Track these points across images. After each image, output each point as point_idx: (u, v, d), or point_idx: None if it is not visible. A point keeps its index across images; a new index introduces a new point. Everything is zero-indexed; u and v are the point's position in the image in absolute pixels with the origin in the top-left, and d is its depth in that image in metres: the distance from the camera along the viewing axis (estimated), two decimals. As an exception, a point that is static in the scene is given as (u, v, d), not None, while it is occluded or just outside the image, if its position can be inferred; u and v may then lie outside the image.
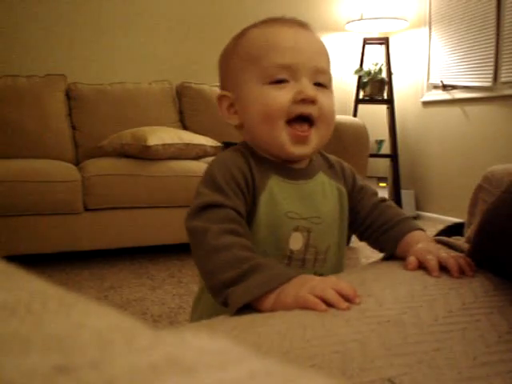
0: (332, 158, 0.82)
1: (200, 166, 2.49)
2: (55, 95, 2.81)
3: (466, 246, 0.74)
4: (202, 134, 2.73)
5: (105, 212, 2.33)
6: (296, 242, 0.71)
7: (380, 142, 3.75)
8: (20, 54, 3.02)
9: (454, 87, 3.40)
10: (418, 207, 3.73)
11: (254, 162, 0.71)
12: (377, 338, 0.45)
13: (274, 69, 0.68)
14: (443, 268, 0.62)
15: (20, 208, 2.18)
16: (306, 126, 0.70)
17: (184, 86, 3.13)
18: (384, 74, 3.66)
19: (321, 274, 0.69)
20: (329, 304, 0.52)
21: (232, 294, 0.58)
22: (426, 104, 3.66)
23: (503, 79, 3.02)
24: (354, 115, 3.54)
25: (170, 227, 2.43)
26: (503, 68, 3.02)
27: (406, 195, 3.69)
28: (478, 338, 0.47)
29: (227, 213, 0.65)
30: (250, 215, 0.69)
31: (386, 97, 3.66)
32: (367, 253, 2.47)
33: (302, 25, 0.73)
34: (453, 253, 0.65)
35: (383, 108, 3.77)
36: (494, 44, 3.05)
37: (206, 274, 0.64)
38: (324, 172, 0.78)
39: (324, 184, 0.76)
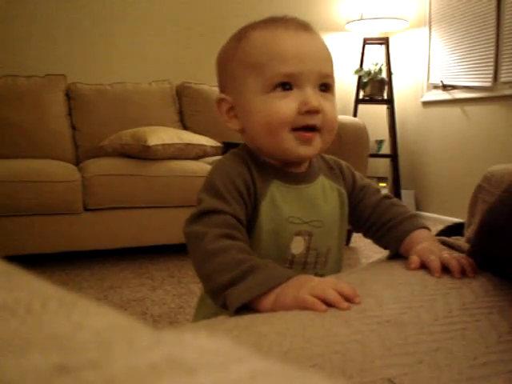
0: (330, 159, 0.82)
1: (200, 166, 2.49)
2: (55, 95, 2.81)
3: (466, 245, 0.74)
4: (202, 134, 2.73)
5: (105, 212, 2.33)
6: (297, 246, 0.71)
7: (380, 142, 3.75)
8: (20, 54, 3.02)
9: (453, 87, 3.40)
10: (418, 207, 3.73)
11: (255, 168, 0.71)
12: (377, 338, 0.45)
13: (278, 78, 0.67)
14: (445, 268, 0.62)
15: (20, 208, 2.18)
16: (308, 132, 0.69)
17: (184, 86, 3.13)
18: (384, 74, 3.66)
19: (321, 275, 0.69)
20: (329, 304, 0.52)
21: (230, 295, 0.58)
22: (426, 104, 3.66)
23: (503, 79, 3.02)
24: (354, 115, 3.54)
25: (170, 227, 2.43)
26: (503, 68, 3.02)
27: (406, 195, 3.69)
28: (478, 338, 0.47)
29: (226, 219, 0.64)
30: (251, 221, 0.69)
31: (385, 97, 3.66)
32: (367, 253, 2.46)
33: (305, 27, 0.71)
34: (455, 253, 0.65)
35: (383, 108, 3.77)
36: (493, 44, 3.05)
37: (204, 278, 0.63)
38: (325, 175, 0.77)
39: (325, 187, 0.76)
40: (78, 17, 3.15)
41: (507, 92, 2.99)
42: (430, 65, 3.60)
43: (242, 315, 0.55)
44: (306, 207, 0.72)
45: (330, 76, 0.71)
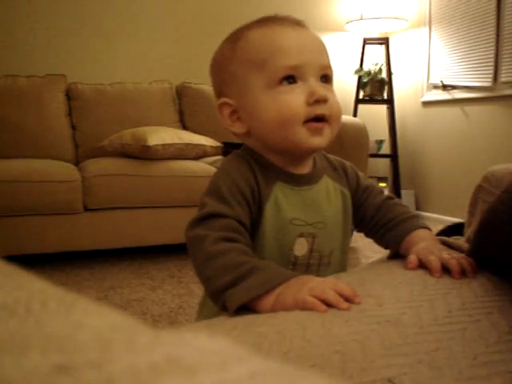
0: (334, 159, 0.82)
1: (200, 166, 2.49)
2: (55, 95, 2.81)
3: (465, 245, 0.74)
4: (202, 134, 2.73)
5: (105, 212, 2.33)
6: (301, 248, 0.71)
7: (380, 142, 3.75)
8: (20, 54, 3.02)
9: (454, 87, 3.40)
10: (418, 207, 3.73)
11: (258, 170, 0.71)
12: (377, 337, 0.45)
13: (282, 71, 0.68)
14: (445, 269, 0.62)
15: (20, 208, 2.18)
16: (318, 122, 0.69)
17: (184, 86, 3.13)
18: (384, 74, 3.66)
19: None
20: (329, 305, 0.52)
21: (230, 295, 0.58)
22: (426, 104, 3.66)
23: (503, 79, 3.02)
24: (354, 115, 3.54)
25: (170, 227, 2.43)
26: (503, 68, 3.02)
27: (406, 195, 3.69)
28: (478, 338, 0.47)
29: (228, 222, 0.64)
30: (255, 223, 0.69)
31: (386, 97, 3.66)
32: (367, 253, 2.46)
33: (299, 23, 0.72)
34: (455, 253, 0.65)
35: (383, 108, 3.77)
36: (494, 44, 3.05)
37: (204, 281, 0.63)
38: (328, 175, 0.77)
39: (328, 188, 0.76)
40: (78, 17, 3.15)
41: (507, 92, 2.99)
42: (430, 65, 3.60)
43: (242, 315, 0.55)
44: (310, 209, 0.72)
45: (329, 67, 0.72)
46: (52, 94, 2.79)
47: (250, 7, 3.47)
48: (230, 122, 0.74)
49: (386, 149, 3.77)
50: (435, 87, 3.58)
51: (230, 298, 0.58)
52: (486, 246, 0.65)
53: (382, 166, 3.87)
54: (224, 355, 0.16)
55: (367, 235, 0.82)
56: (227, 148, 2.64)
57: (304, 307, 0.53)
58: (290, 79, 0.68)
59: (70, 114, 2.85)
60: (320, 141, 0.69)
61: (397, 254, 0.76)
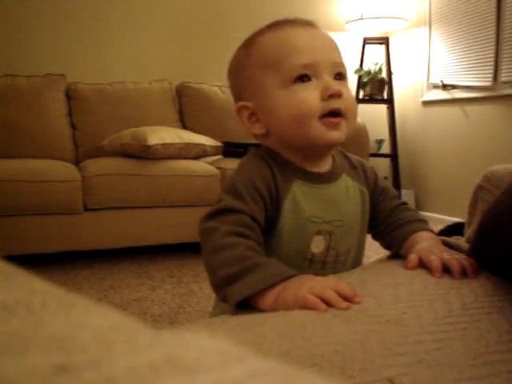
0: (354, 158, 0.83)
1: (200, 166, 2.49)
2: (55, 95, 2.81)
3: (466, 245, 0.74)
4: (202, 134, 2.73)
5: (105, 212, 2.33)
6: (317, 245, 0.72)
7: (380, 142, 3.75)
8: (20, 54, 3.02)
9: (453, 87, 3.40)
10: (418, 207, 3.73)
11: (276, 168, 0.72)
12: (377, 337, 0.45)
13: (296, 69, 0.69)
14: (445, 269, 0.62)
15: (20, 208, 2.18)
16: (335, 118, 0.70)
17: (184, 86, 3.13)
18: (384, 74, 3.66)
19: None
20: (328, 304, 0.52)
21: (231, 289, 0.59)
22: (426, 104, 3.66)
23: (503, 79, 3.02)
24: (354, 115, 3.53)
25: (170, 227, 2.43)
26: (503, 67, 3.02)
27: (406, 195, 3.69)
28: (478, 338, 0.47)
29: (241, 218, 0.65)
30: (273, 219, 0.70)
31: (386, 96, 3.66)
32: (368, 253, 2.46)
33: (310, 23, 0.74)
34: (456, 254, 0.65)
35: (383, 108, 3.77)
36: (493, 43, 3.05)
37: (209, 271, 0.65)
38: (347, 174, 0.78)
39: (347, 186, 0.77)
40: (78, 17, 3.15)
41: (507, 92, 2.99)
42: (430, 64, 3.60)
43: (242, 315, 0.55)
44: (328, 207, 0.73)
45: (342, 65, 0.73)
46: (52, 94, 2.79)
47: (251, 7, 3.47)
48: (249, 125, 0.75)
49: (386, 148, 3.77)
50: (435, 87, 3.57)
51: (231, 291, 0.59)
52: (485, 245, 0.65)
53: (382, 165, 3.87)
54: (224, 355, 0.16)
55: (374, 237, 0.83)
56: (227, 148, 2.64)
57: (304, 305, 0.53)
58: (304, 78, 0.69)
59: (70, 114, 2.85)
60: (338, 135, 0.70)
61: (397, 255, 0.76)
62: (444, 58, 3.47)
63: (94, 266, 2.33)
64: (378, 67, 3.66)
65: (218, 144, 2.64)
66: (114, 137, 2.55)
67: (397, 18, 3.51)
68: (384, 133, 3.76)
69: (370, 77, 3.63)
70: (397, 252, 0.76)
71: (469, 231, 0.89)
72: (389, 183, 0.86)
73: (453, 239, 0.81)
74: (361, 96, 3.67)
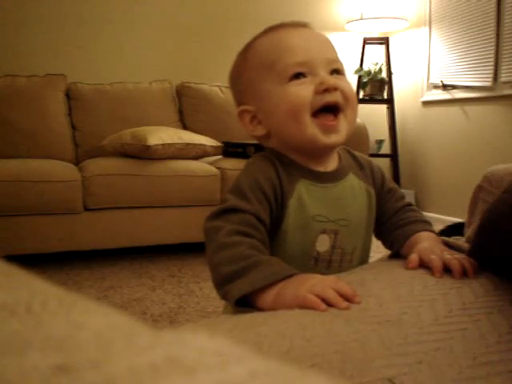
0: (362, 158, 0.83)
1: (200, 166, 2.49)
2: (55, 95, 2.80)
3: (466, 245, 0.74)
4: (202, 134, 2.73)
5: (105, 212, 2.33)
6: (323, 244, 0.72)
7: (380, 142, 3.75)
8: (20, 54, 3.02)
9: (453, 87, 3.40)
10: (418, 207, 3.71)
11: (281, 167, 0.72)
12: (377, 337, 0.45)
13: (291, 68, 0.70)
14: (446, 269, 0.62)
15: (20, 208, 2.18)
16: (331, 116, 0.70)
17: (184, 86, 3.13)
18: (384, 74, 3.66)
19: None
20: (328, 303, 0.52)
21: (232, 287, 0.60)
22: (426, 104, 3.66)
23: (503, 79, 3.02)
24: (354, 115, 3.53)
25: (170, 227, 2.43)
26: (503, 68, 3.02)
27: (406, 195, 3.67)
28: (478, 338, 0.47)
29: (245, 217, 0.66)
30: (278, 218, 0.70)
31: (385, 97, 3.66)
32: (367, 253, 2.46)
33: (304, 25, 0.75)
34: (457, 254, 0.65)
35: (383, 108, 3.77)
36: (494, 44, 3.05)
37: (211, 269, 0.65)
38: (354, 173, 0.78)
39: (353, 186, 0.77)
40: (78, 17, 3.14)
41: (507, 92, 2.99)
42: (430, 65, 3.60)
43: (242, 315, 0.55)
44: (333, 206, 0.73)
45: (338, 61, 0.74)
46: (52, 94, 2.79)
47: (251, 8, 3.47)
48: (251, 128, 0.76)
49: (385, 148, 3.77)
50: (435, 87, 3.57)
51: (231, 289, 0.60)
52: (486, 245, 0.65)
53: (382, 165, 3.84)
54: (224, 355, 0.16)
55: (377, 235, 0.83)
56: (227, 148, 2.64)
57: (304, 304, 0.53)
58: (300, 75, 0.70)
59: (69, 114, 2.85)
60: (336, 138, 0.71)
61: (396, 254, 0.76)
62: (444, 58, 3.47)
63: (94, 266, 2.33)
64: (378, 67, 3.66)
65: (218, 144, 2.64)
66: (114, 137, 2.55)
67: (397, 18, 3.51)
68: (384, 133, 3.76)
69: (369, 77, 3.63)
70: (398, 251, 0.76)
71: (469, 231, 0.89)
72: (396, 185, 0.86)
73: (453, 239, 0.81)
74: (361, 96, 3.67)
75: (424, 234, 0.74)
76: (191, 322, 1.63)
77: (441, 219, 3.39)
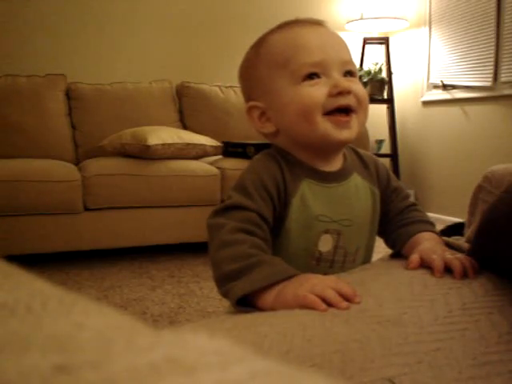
0: (367, 156, 0.82)
1: (200, 166, 2.49)
2: (55, 95, 2.80)
3: (466, 245, 0.74)
4: (202, 134, 2.73)
5: (105, 212, 2.33)
6: (325, 244, 0.72)
7: (380, 142, 3.75)
8: (20, 54, 3.02)
9: (454, 87, 3.40)
10: (418, 207, 3.72)
11: (286, 167, 0.72)
12: (377, 337, 0.45)
13: (305, 68, 0.69)
14: (447, 269, 0.62)
15: (20, 208, 2.17)
16: (343, 114, 0.70)
17: (184, 86, 3.13)
18: (384, 74, 3.66)
19: None
20: (328, 303, 0.52)
21: (234, 285, 0.60)
22: (426, 104, 3.66)
23: (503, 79, 3.02)
24: (354, 115, 3.53)
25: (170, 227, 2.43)
26: (503, 68, 3.02)
27: (406, 195, 3.69)
28: (478, 338, 0.47)
29: (248, 215, 0.66)
30: (281, 217, 0.70)
31: (385, 96, 3.66)
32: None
33: (319, 22, 0.74)
34: (457, 254, 0.65)
35: (383, 108, 3.77)
36: (494, 43, 3.05)
37: (213, 266, 0.65)
38: (358, 173, 0.78)
39: (358, 186, 0.76)
40: (78, 17, 3.14)
41: (507, 92, 2.99)
42: (430, 64, 3.60)
43: (242, 315, 0.55)
44: (337, 206, 0.73)
45: (352, 63, 0.73)
46: (52, 94, 2.79)
47: (251, 8, 3.47)
48: (260, 124, 0.75)
49: (385, 148, 3.77)
50: (435, 87, 3.57)
51: (233, 287, 0.60)
52: (486, 245, 0.65)
53: (382, 165, 3.87)
54: (224, 355, 0.16)
55: (380, 234, 0.83)
56: (227, 148, 2.64)
57: (304, 304, 0.53)
58: (314, 76, 0.69)
59: (69, 114, 2.85)
60: (348, 134, 0.70)
61: (398, 254, 0.76)
62: (444, 58, 3.47)
63: (94, 265, 2.33)
64: (378, 67, 3.66)
65: (218, 144, 2.64)
66: (114, 137, 2.55)
67: (397, 18, 3.51)
68: (384, 133, 3.76)
69: (369, 77, 3.62)
70: (399, 250, 0.76)
71: (469, 231, 0.89)
72: (401, 184, 0.86)
73: (453, 239, 0.81)
74: (361, 96, 3.67)
75: (426, 235, 0.74)
76: (191, 321, 1.63)
77: (441, 219, 3.39)
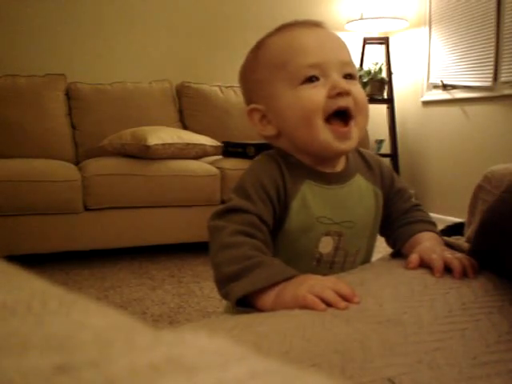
0: (371, 157, 0.82)
1: (200, 166, 2.49)
2: (55, 95, 2.80)
3: (466, 245, 0.74)
4: (202, 134, 2.73)
5: (105, 212, 2.33)
6: (326, 246, 0.72)
7: (380, 142, 3.75)
8: (20, 54, 3.02)
9: (454, 87, 3.40)
10: (418, 207, 3.72)
11: (286, 169, 0.72)
12: (377, 337, 0.45)
13: (304, 70, 0.69)
14: (446, 268, 0.62)
15: (20, 208, 2.17)
16: (342, 124, 0.69)
17: (184, 86, 3.13)
18: (384, 74, 3.66)
19: None
20: (327, 304, 0.52)
21: (233, 286, 0.60)
22: (426, 104, 3.66)
23: (503, 79, 3.02)
24: (354, 115, 3.53)
25: (170, 227, 2.43)
26: (503, 68, 3.02)
27: (406, 195, 3.69)
28: (478, 337, 0.47)
29: (248, 217, 0.66)
30: (281, 219, 0.70)
31: (386, 96, 3.66)
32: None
33: (317, 24, 0.74)
34: (457, 254, 0.65)
35: (383, 108, 3.77)
36: (493, 43, 3.05)
37: (214, 268, 0.65)
38: (362, 174, 0.77)
39: (360, 187, 0.76)
40: (78, 17, 3.14)
41: (507, 92, 2.99)
42: (430, 64, 3.60)
43: (242, 315, 0.55)
44: (338, 208, 0.73)
45: (351, 64, 0.73)
46: (52, 94, 2.79)
47: (251, 8, 3.47)
48: (261, 127, 0.75)
49: (385, 148, 3.76)
50: (435, 87, 3.57)
51: (232, 288, 0.60)
52: (486, 245, 0.65)
53: (382, 165, 3.87)
54: (224, 355, 0.16)
55: (381, 233, 0.83)
56: (227, 148, 2.64)
57: (303, 305, 0.53)
58: (313, 78, 0.69)
59: (69, 114, 2.85)
60: (349, 144, 0.70)
61: (398, 253, 0.76)
62: (444, 58, 3.47)
63: (94, 265, 2.33)
64: (377, 67, 3.65)
65: (218, 144, 2.64)
66: (114, 137, 2.55)
67: (397, 18, 3.51)
68: (384, 133, 3.76)
69: (369, 77, 3.62)
70: (399, 249, 0.76)
71: (469, 231, 0.89)
72: (406, 184, 0.86)
73: (453, 239, 0.81)
74: (361, 96, 3.67)
75: (426, 234, 0.74)
76: (191, 321, 1.63)
77: (441, 219, 3.38)
